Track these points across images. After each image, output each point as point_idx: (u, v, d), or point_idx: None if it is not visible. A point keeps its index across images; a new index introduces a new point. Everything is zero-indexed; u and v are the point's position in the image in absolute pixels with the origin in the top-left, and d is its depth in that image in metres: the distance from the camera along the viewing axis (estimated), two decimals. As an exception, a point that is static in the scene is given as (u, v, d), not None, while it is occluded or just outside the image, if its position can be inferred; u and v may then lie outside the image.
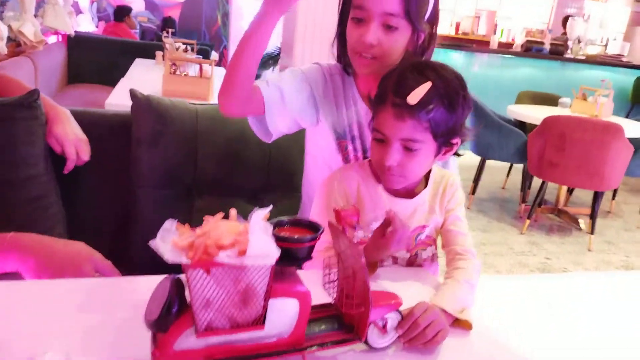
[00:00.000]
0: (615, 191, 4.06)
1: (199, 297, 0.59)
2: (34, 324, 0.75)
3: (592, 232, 3.28)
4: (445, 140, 0.92)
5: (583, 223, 3.62)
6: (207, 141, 1.40)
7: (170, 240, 0.59)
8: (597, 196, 3.24)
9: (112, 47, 4.48)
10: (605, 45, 8.13)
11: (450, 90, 0.89)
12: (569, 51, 6.24)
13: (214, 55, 5.91)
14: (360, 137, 1.13)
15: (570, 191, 4.09)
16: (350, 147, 1.14)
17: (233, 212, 0.66)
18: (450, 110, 0.89)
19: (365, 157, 1.14)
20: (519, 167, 4.06)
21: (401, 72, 0.91)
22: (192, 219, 1.58)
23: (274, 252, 0.57)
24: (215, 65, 5.07)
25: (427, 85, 0.85)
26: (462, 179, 1.14)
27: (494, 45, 6.38)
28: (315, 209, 1.03)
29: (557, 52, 5.76)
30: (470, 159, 3.73)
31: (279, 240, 0.62)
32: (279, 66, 5.28)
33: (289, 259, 0.63)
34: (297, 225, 0.67)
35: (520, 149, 3.54)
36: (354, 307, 0.71)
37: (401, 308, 0.76)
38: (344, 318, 0.74)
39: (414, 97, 0.85)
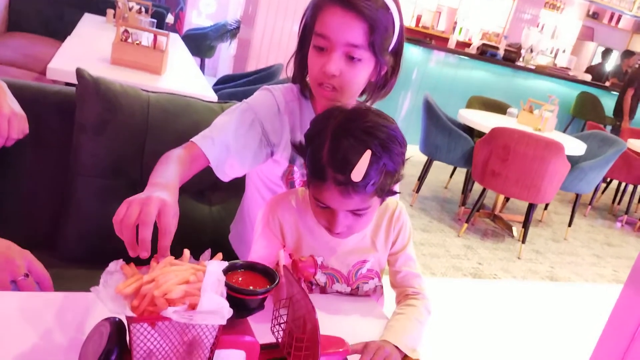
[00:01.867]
0: (548, 201, 4.26)
1: (141, 349, 0.55)
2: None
3: (523, 241, 3.44)
4: (388, 192, 0.88)
5: (516, 230, 3.79)
6: (157, 133, 1.33)
7: (113, 285, 0.55)
8: (531, 207, 3.38)
9: (60, -3, 4.17)
10: (555, 56, 8.45)
11: (390, 151, 0.81)
12: (521, 59, 6.42)
13: (169, 18, 5.64)
14: None
15: (507, 197, 4.25)
16: (297, 172, 1.11)
17: (186, 253, 0.62)
18: (392, 170, 0.83)
19: None
20: (462, 169, 4.17)
21: (333, 139, 0.81)
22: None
23: (226, 313, 0.54)
24: (170, 30, 4.81)
25: (368, 156, 0.78)
26: (408, 175, 1.09)
27: (452, 43, 6.45)
28: (256, 234, 0.99)
29: (510, 58, 5.91)
30: (419, 156, 3.79)
31: (231, 290, 0.59)
32: (237, 39, 5.11)
33: (240, 308, 0.60)
34: (251, 270, 0.65)
35: (467, 154, 3.63)
36: (303, 350, 0.69)
37: (346, 335, 0.75)
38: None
39: (357, 174, 0.77)
